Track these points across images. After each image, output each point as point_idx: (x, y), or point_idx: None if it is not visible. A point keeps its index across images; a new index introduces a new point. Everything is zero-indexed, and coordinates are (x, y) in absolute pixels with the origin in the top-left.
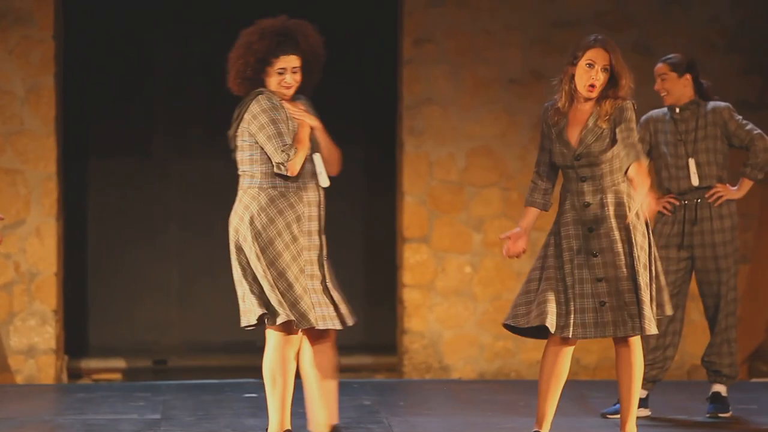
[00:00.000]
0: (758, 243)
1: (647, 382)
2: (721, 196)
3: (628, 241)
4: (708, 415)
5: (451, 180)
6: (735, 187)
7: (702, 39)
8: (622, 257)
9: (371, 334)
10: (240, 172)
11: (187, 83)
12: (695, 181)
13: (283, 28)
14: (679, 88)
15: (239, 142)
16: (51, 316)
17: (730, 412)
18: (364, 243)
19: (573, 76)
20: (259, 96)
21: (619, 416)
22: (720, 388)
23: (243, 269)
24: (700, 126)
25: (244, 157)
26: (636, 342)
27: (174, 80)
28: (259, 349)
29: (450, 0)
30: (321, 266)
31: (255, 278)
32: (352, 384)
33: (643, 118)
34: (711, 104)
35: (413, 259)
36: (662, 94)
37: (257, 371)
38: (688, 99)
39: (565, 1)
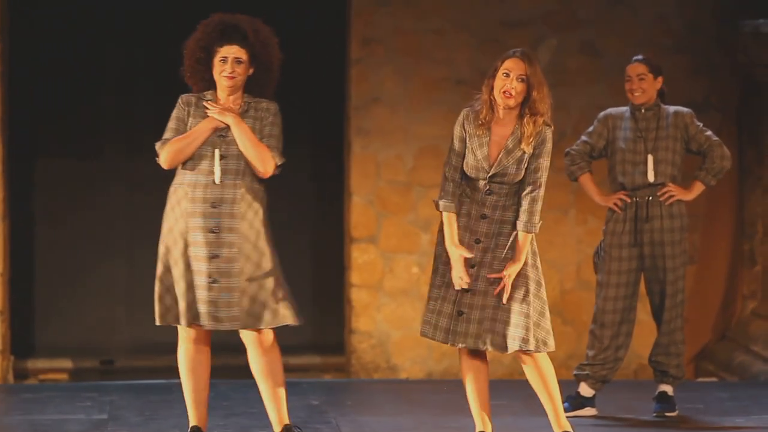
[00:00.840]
0: (704, 244)
1: (596, 382)
2: (672, 196)
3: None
4: (654, 415)
5: (399, 180)
6: (687, 189)
7: (649, 39)
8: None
9: (319, 334)
10: None
11: (135, 83)
12: (651, 177)
13: (231, 19)
14: (653, 90)
15: None
16: None
17: (677, 412)
18: (311, 243)
19: (492, 87)
20: (181, 96)
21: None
22: (667, 388)
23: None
24: (662, 126)
25: None
26: (537, 354)
27: (122, 80)
28: None
29: (398, 0)
30: (208, 262)
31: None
32: (301, 384)
33: (602, 114)
34: (673, 108)
35: (361, 259)
36: (635, 93)
37: None
38: (653, 101)
39: (514, 1)
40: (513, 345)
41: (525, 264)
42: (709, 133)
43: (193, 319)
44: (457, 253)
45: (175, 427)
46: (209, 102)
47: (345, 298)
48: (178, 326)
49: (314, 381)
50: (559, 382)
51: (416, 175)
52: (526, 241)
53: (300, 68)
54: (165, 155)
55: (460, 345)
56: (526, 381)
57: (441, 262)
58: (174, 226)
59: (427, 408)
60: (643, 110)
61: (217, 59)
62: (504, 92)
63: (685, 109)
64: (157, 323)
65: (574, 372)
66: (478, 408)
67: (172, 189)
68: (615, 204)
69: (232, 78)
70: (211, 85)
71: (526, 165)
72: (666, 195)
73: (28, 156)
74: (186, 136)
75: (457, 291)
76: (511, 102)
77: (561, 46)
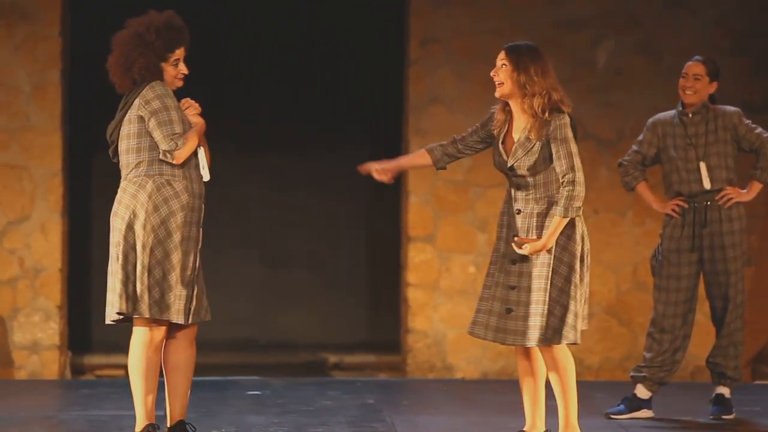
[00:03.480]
0: (763, 245)
1: (653, 384)
2: (731, 198)
3: (551, 252)
4: (711, 417)
5: (456, 180)
6: (745, 190)
7: (708, 41)
8: (541, 269)
9: (375, 333)
10: (124, 163)
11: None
12: (707, 184)
13: (175, 20)
14: (706, 93)
15: (125, 131)
16: (55, 311)
17: (734, 414)
18: (368, 242)
19: None
20: (153, 82)
21: (622, 417)
22: (724, 390)
23: (125, 258)
24: (710, 130)
25: (130, 146)
26: (557, 346)
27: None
28: (261, 346)
29: (456, 1)
30: (197, 258)
31: (134, 268)
32: (356, 382)
33: (650, 121)
34: (721, 109)
35: (418, 258)
36: (687, 92)
37: (260, 369)
38: (701, 102)
39: (571, 2)
40: (523, 340)
41: (555, 257)
42: (759, 130)
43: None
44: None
45: (231, 424)
46: (188, 101)
47: (401, 297)
48: (152, 321)
49: (369, 380)
50: (616, 384)
51: (473, 175)
52: (556, 225)
53: (359, 68)
54: (186, 151)
55: (509, 343)
56: (584, 382)
57: (491, 261)
58: (169, 220)
59: (482, 408)
60: (690, 115)
61: (170, 62)
62: (493, 79)
63: (731, 109)
64: (185, 321)
65: (631, 373)
66: (530, 406)
67: (162, 179)
68: (673, 210)
69: (183, 79)
70: (154, 78)
71: (539, 154)
72: (724, 198)
73: (87, 152)
74: (197, 136)
75: (503, 289)
76: (499, 89)
77: (618, 47)
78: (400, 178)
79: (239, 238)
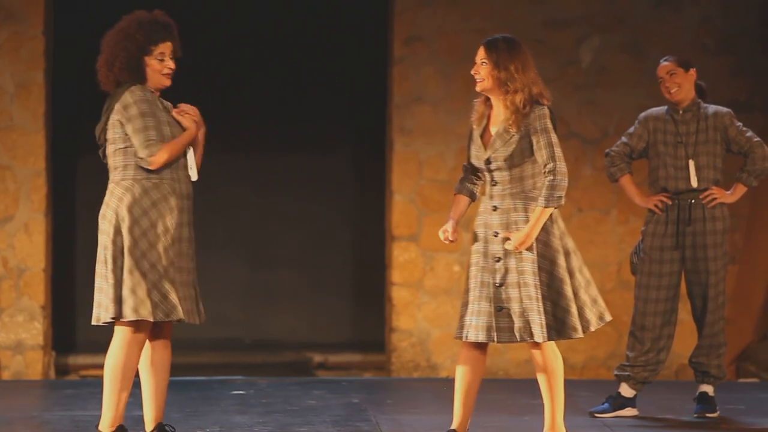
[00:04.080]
0: (747, 244)
1: (637, 383)
2: (715, 198)
3: (534, 248)
4: (695, 415)
5: (441, 179)
6: (729, 191)
7: (693, 40)
8: (525, 264)
9: (360, 332)
10: (111, 166)
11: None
12: (694, 182)
13: (161, 17)
14: (688, 83)
15: (110, 135)
16: (39, 312)
17: (718, 412)
18: (353, 241)
19: None
20: (133, 87)
21: (606, 415)
22: (707, 389)
23: (114, 263)
24: (701, 129)
25: (116, 148)
26: (547, 346)
27: None
28: (247, 346)
29: (440, 0)
30: (191, 259)
31: (130, 272)
32: (341, 382)
33: (642, 115)
34: (713, 108)
35: (402, 257)
36: (672, 90)
37: (245, 369)
38: (691, 99)
39: (556, 1)
40: (528, 336)
41: (538, 254)
42: (750, 134)
43: (185, 315)
44: (444, 227)
45: (216, 424)
46: (186, 106)
47: (386, 296)
48: (137, 322)
49: (354, 379)
50: (600, 382)
51: (458, 174)
52: (540, 215)
53: (342, 67)
54: (161, 158)
55: (504, 341)
56: (568, 381)
57: (472, 263)
58: (158, 222)
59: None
60: (681, 111)
61: (153, 56)
62: (474, 76)
63: (724, 110)
64: (198, 321)
65: (615, 372)
66: (461, 404)
67: (149, 184)
68: (655, 206)
69: (170, 74)
70: (134, 78)
71: (516, 145)
72: (708, 198)
73: (71, 152)
74: (181, 144)
75: (490, 288)
76: (479, 85)
77: (604, 46)
78: (384, 177)
79: (224, 238)
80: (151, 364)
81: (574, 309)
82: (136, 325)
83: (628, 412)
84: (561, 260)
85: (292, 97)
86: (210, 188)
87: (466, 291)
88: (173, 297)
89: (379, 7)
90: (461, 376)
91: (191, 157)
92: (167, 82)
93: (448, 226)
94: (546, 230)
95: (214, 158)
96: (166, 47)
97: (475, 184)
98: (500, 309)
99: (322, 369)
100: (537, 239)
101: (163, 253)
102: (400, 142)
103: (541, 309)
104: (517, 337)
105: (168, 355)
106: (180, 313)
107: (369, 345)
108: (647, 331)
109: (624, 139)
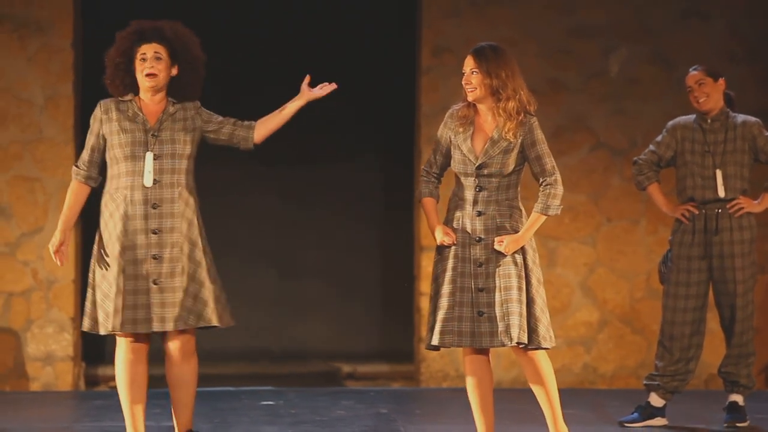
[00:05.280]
0: None
1: (666, 393)
2: (741, 208)
3: (518, 253)
4: (725, 425)
5: None
6: (756, 201)
7: (721, 50)
8: (508, 268)
9: (388, 342)
10: None
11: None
12: (722, 192)
13: (149, 23)
14: (717, 93)
15: None
16: (68, 323)
17: (748, 422)
18: (381, 251)
19: None
20: (100, 101)
21: (636, 425)
22: (737, 398)
23: (92, 273)
24: (729, 138)
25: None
26: (540, 355)
27: None
28: (276, 356)
29: (468, 10)
30: (149, 264)
31: (88, 285)
32: (369, 392)
33: (670, 124)
34: (741, 117)
35: (431, 267)
36: (701, 100)
37: (274, 379)
38: (719, 108)
39: (583, 11)
40: (500, 340)
41: (525, 261)
42: None
43: (134, 325)
44: (441, 229)
45: None
46: (185, 105)
47: (414, 306)
48: (118, 336)
49: (383, 389)
50: (630, 392)
51: None
52: (535, 222)
53: (371, 77)
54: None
55: (485, 346)
56: (598, 390)
57: (448, 268)
58: (113, 232)
59: (496, 417)
60: (710, 121)
61: (137, 60)
62: (464, 87)
63: (752, 119)
64: (102, 332)
65: (645, 382)
66: (481, 413)
67: (107, 196)
68: (683, 215)
69: (153, 76)
70: (133, 90)
71: (512, 154)
72: (735, 207)
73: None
74: (67, 208)
75: (472, 293)
76: (472, 95)
77: (631, 56)
78: (412, 187)
79: (253, 248)
80: (169, 377)
81: (545, 319)
82: (117, 338)
83: (658, 421)
84: (539, 272)
85: (321, 108)
86: (238, 198)
87: (439, 296)
88: (112, 307)
89: (408, 18)
90: (472, 386)
91: (149, 162)
92: (148, 83)
93: (447, 231)
94: (531, 245)
95: (242, 168)
96: (146, 48)
97: (438, 187)
98: (481, 314)
99: (350, 379)
100: (523, 248)
101: (113, 261)
102: (429, 151)
103: (523, 312)
104: (499, 341)
105: (189, 367)
106: (116, 324)
107: (398, 355)
108: (676, 340)
109: (652, 147)
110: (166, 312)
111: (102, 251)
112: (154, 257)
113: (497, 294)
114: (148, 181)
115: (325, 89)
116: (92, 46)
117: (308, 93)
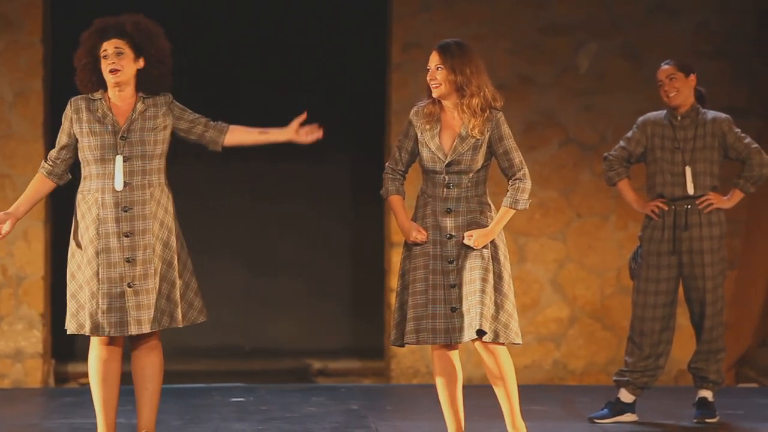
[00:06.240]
0: (745, 249)
1: (636, 389)
2: (711, 204)
3: (487, 247)
4: (695, 421)
5: None
6: (726, 197)
7: (690, 45)
8: (475, 261)
9: (359, 339)
10: None
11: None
12: (691, 189)
13: (112, 19)
14: (688, 89)
15: None
16: (38, 319)
17: (717, 417)
18: (351, 247)
19: None
20: (71, 99)
21: (606, 421)
22: (707, 394)
23: (69, 275)
24: (699, 135)
25: None
26: (500, 350)
27: None
28: (246, 353)
29: (438, 6)
30: (122, 267)
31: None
32: (340, 388)
33: (640, 119)
34: (711, 114)
35: None
36: (671, 95)
37: (245, 376)
38: (690, 104)
39: (554, 7)
40: (470, 333)
41: (497, 255)
42: (748, 140)
43: (110, 329)
44: (412, 226)
45: (215, 431)
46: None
47: (385, 303)
48: (92, 336)
49: (353, 385)
50: (600, 388)
51: None
52: (504, 216)
53: (341, 73)
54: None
55: (463, 341)
56: (568, 386)
57: (418, 266)
58: (84, 234)
59: (466, 413)
60: (680, 117)
61: (100, 56)
62: (429, 83)
63: (722, 116)
64: (69, 331)
65: (614, 378)
66: (450, 409)
67: (80, 197)
68: (652, 211)
69: (116, 71)
70: (103, 87)
71: (480, 151)
72: (705, 203)
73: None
74: (23, 197)
75: (444, 290)
76: (436, 91)
77: (601, 52)
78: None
79: (223, 245)
80: (133, 373)
81: (516, 315)
82: (91, 337)
83: (628, 417)
84: (508, 266)
85: (290, 103)
86: (208, 195)
87: (409, 293)
88: (86, 311)
89: (378, 13)
90: (442, 383)
91: (119, 165)
92: (111, 78)
93: (419, 229)
94: (501, 240)
95: (212, 166)
96: (107, 45)
97: (403, 184)
98: (454, 310)
99: (321, 376)
100: (492, 242)
101: (86, 265)
102: None
103: (486, 302)
104: (470, 333)
105: (151, 362)
106: (88, 327)
107: (368, 351)
108: (646, 336)
109: (622, 143)
110: (141, 314)
111: (77, 242)
112: (128, 260)
113: (464, 288)
114: (119, 184)
115: (310, 137)
116: (63, 41)
117: (294, 133)
